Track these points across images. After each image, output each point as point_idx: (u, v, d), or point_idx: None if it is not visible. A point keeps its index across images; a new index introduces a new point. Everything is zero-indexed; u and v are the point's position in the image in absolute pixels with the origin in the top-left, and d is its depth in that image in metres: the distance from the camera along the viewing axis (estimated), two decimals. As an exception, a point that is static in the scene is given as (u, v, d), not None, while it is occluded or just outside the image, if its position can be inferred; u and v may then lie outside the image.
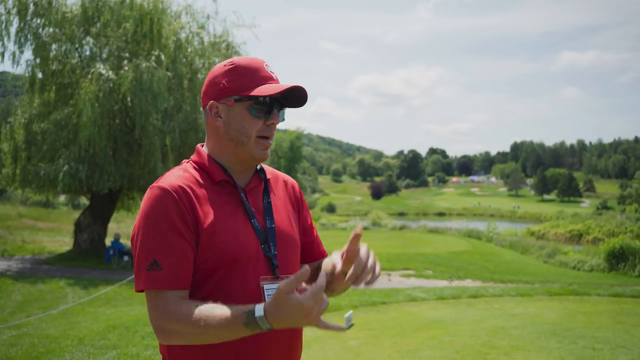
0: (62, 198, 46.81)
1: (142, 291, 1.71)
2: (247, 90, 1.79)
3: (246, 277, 1.75)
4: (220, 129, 1.85)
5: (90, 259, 19.05)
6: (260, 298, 1.75)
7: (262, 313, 1.52)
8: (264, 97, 1.79)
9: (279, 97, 1.83)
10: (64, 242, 25.05)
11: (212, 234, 1.73)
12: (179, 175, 1.80)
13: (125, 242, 22.65)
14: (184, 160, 1.91)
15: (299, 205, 2.07)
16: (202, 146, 1.93)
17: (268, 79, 1.83)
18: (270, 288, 1.77)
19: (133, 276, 12.63)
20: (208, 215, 1.74)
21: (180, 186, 1.74)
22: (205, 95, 1.87)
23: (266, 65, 1.86)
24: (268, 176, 1.97)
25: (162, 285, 1.67)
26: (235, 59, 1.87)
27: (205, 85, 1.88)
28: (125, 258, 18.18)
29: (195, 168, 1.86)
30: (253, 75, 1.81)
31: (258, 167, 1.96)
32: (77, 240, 20.58)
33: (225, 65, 1.85)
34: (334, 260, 1.86)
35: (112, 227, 26.34)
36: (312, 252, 2.09)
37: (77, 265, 17.97)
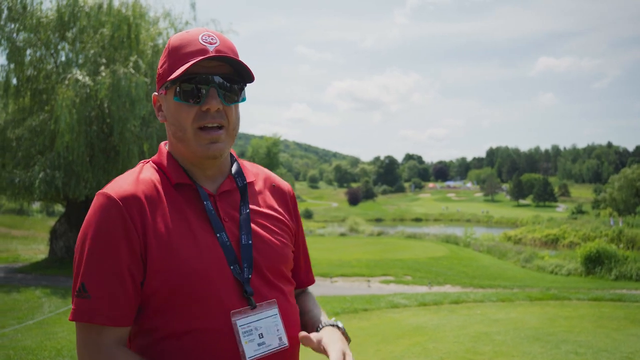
0: (37, 205, 46.13)
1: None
2: (171, 74, 1.46)
3: (212, 308, 1.41)
4: (166, 125, 1.55)
5: (67, 267, 18.71)
6: (232, 336, 1.41)
7: None
8: (181, 77, 1.44)
9: (220, 74, 1.46)
10: (39, 250, 24.60)
11: (166, 253, 1.40)
12: (133, 178, 1.48)
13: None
14: (142, 160, 1.60)
15: (290, 216, 1.70)
16: (166, 144, 1.61)
17: (197, 53, 1.44)
18: (245, 324, 1.43)
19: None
20: (163, 229, 1.41)
21: (131, 194, 1.42)
22: None
23: (205, 35, 1.47)
24: (251, 178, 1.63)
25: (90, 318, 1.35)
26: (172, 37, 1.52)
27: None
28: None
29: (154, 169, 1.54)
30: (181, 53, 1.46)
31: (234, 168, 1.62)
32: (53, 248, 20.26)
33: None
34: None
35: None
36: (295, 278, 1.73)
37: (53, 274, 17.65)
